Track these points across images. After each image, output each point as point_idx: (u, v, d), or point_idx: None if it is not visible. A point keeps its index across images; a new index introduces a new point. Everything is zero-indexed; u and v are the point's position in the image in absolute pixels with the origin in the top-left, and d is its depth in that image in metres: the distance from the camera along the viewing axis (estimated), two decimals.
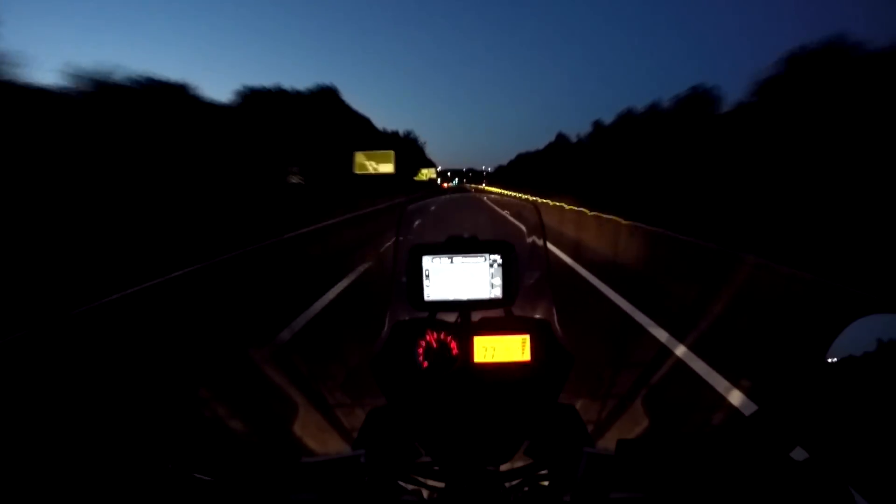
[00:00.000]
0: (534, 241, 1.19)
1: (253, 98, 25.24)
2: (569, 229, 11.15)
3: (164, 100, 14.94)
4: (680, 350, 3.56)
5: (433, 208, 1.34)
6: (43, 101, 10.88)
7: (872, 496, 0.54)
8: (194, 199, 13.12)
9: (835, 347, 0.70)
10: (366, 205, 15.30)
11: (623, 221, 7.90)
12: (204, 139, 15.77)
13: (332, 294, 5.49)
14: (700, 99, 22.14)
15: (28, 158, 9.23)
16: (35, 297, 4.54)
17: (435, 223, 1.23)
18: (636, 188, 20.19)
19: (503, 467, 0.89)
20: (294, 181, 24.65)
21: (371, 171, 27.25)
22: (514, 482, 0.85)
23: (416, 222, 1.22)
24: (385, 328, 1.04)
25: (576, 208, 11.46)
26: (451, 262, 0.99)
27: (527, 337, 0.95)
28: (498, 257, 0.99)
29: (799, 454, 0.63)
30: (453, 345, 0.95)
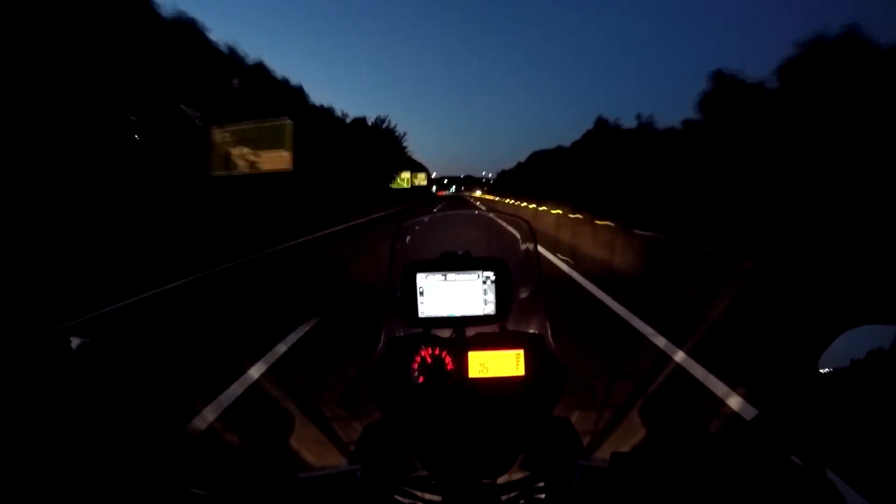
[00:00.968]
0: (527, 250, 1.21)
1: None
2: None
3: None
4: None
5: (427, 224, 1.36)
6: None
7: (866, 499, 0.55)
8: None
9: (825, 358, 0.71)
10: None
11: None
12: None
13: None
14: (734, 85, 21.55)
15: None
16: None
17: (428, 239, 1.24)
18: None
19: (499, 480, 0.90)
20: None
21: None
22: (510, 495, 0.85)
23: (410, 238, 1.23)
24: (381, 343, 1.05)
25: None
26: (445, 278, 1.01)
27: (521, 352, 0.96)
28: (491, 274, 1.00)
29: (793, 464, 0.64)
30: (448, 360, 0.95)
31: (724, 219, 13.29)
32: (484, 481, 0.87)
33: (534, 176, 54.48)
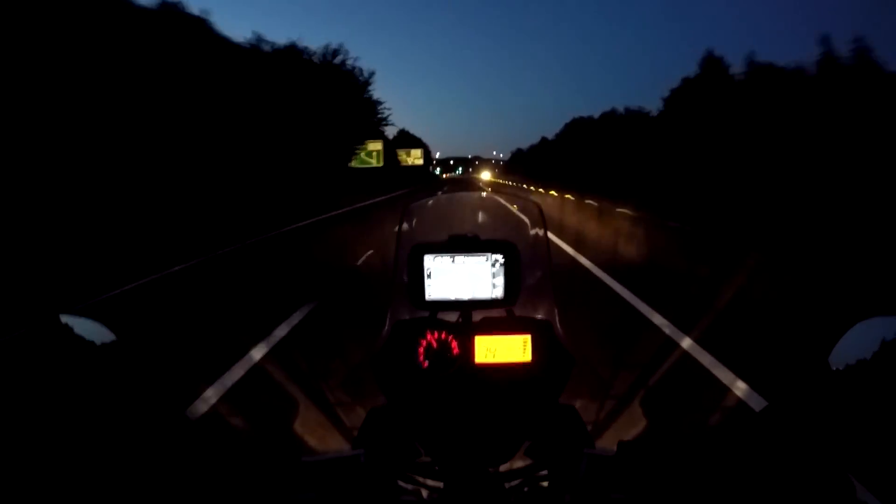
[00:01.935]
0: (536, 236, 1.19)
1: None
2: None
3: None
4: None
5: (434, 206, 1.34)
6: None
7: (877, 496, 0.54)
8: None
9: (837, 351, 0.70)
10: None
11: None
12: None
13: None
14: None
15: None
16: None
17: (435, 222, 1.23)
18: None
19: (503, 468, 0.89)
20: None
21: None
22: (514, 483, 0.84)
23: (416, 221, 1.21)
24: (386, 327, 1.04)
25: None
26: (453, 261, 0.99)
27: (528, 337, 0.95)
28: (500, 257, 0.99)
29: (803, 455, 0.63)
30: (454, 344, 0.95)
31: (740, 208, 13.00)
32: (488, 468, 0.86)
33: (560, 154, 46.46)
